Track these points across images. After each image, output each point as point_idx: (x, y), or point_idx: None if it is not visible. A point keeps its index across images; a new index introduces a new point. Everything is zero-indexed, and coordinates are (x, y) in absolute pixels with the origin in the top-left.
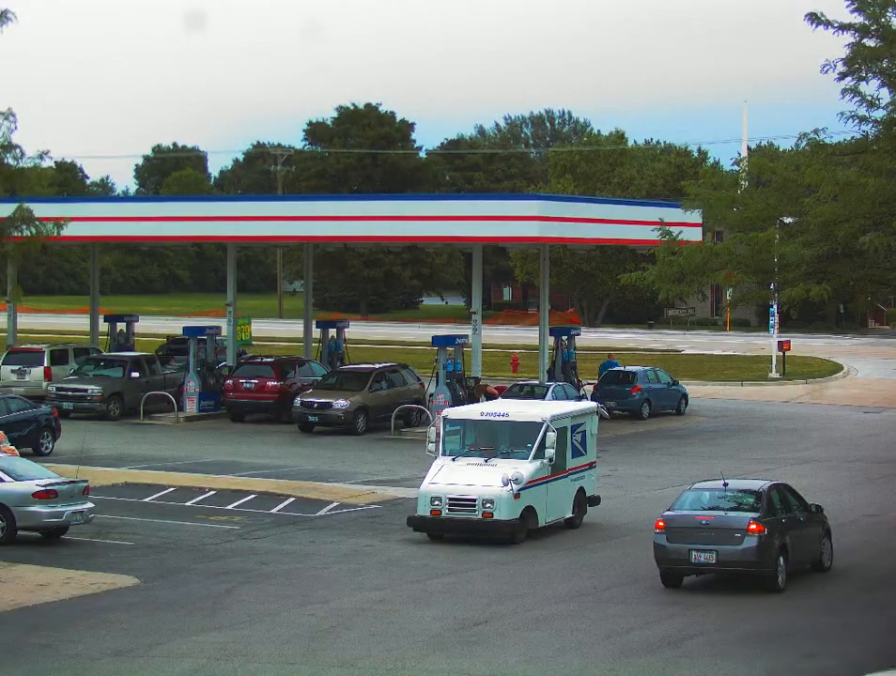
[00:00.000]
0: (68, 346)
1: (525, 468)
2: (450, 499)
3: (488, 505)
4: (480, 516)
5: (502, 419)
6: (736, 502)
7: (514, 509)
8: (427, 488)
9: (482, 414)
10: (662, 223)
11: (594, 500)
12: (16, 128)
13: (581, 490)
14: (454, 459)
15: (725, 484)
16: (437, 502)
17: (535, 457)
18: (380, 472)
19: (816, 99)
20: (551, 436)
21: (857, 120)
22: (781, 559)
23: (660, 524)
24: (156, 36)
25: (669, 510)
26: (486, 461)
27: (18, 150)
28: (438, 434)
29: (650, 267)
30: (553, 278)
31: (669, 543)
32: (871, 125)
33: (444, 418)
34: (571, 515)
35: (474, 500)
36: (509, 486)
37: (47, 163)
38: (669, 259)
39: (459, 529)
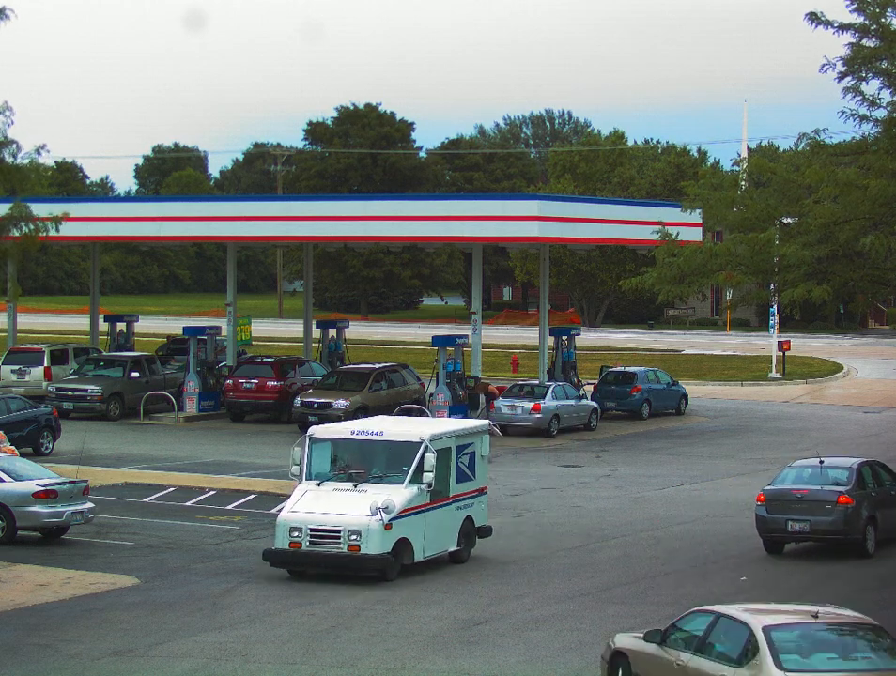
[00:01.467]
0: (68, 346)
1: (399, 494)
2: (311, 529)
3: (354, 537)
4: (345, 550)
5: (374, 438)
6: (831, 478)
7: (384, 541)
8: (286, 517)
9: (352, 433)
10: (662, 224)
11: (485, 531)
12: (13, 123)
13: (469, 520)
14: (319, 484)
15: (821, 462)
16: (296, 533)
17: (412, 482)
18: None
19: (816, 99)
20: (430, 458)
21: (857, 119)
22: (871, 528)
23: (761, 497)
24: (156, 36)
25: (769, 485)
26: (355, 486)
27: (15, 146)
28: (303, 454)
29: (650, 269)
30: (553, 278)
31: (768, 514)
32: (871, 124)
33: (310, 437)
34: (456, 549)
35: (338, 531)
36: (378, 516)
37: (45, 159)
38: (668, 261)
39: (322, 564)
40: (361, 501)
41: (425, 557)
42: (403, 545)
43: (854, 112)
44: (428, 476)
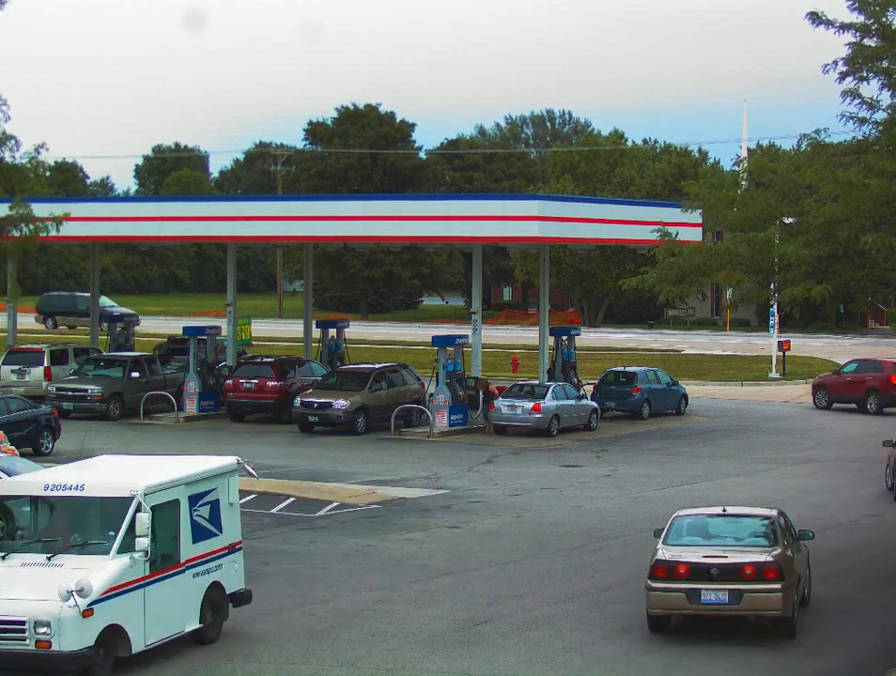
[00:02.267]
0: (68, 346)
1: (102, 569)
2: None
3: (43, 630)
4: (33, 647)
5: (74, 494)
6: None
7: (83, 634)
8: None
9: (46, 488)
10: (662, 224)
11: (242, 598)
12: (9, 118)
13: (217, 587)
14: (4, 557)
15: None
16: None
17: (121, 551)
18: (380, 472)
19: (816, 99)
20: (143, 518)
21: (856, 122)
22: None
23: None
24: (156, 36)
25: None
26: (49, 560)
27: (13, 142)
28: None
29: (650, 269)
30: (553, 278)
31: None
32: (871, 126)
33: None
34: (199, 626)
35: (23, 623)
36: (71, 601)
37: (44, 157)
38: (669, 260)
39: (7, 665)
40: (53, 581)
41: (150, 645)
42: (113, 635)
43: (853, 115)
44: (143, 542)
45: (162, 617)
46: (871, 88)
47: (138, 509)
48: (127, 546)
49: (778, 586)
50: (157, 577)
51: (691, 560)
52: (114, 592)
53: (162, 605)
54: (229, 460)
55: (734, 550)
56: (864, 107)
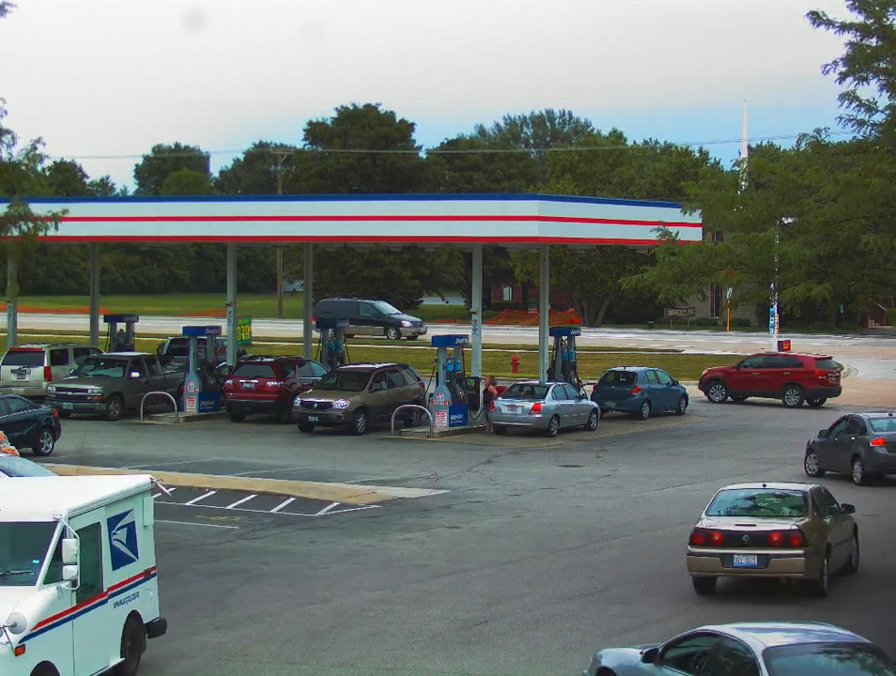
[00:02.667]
0: (68, 346)
1: (31, 601)
2: None
3: None
4: None
5: None
6: None
7: (16, 673)
8: None
9: None
10: (662, 224)
11: (158, 628)
12: (6, 113)
13: (135, 617)
14: None
15: None
16: None
17: (48, 581)
18: (380, 472)
19: (816, 99)
20: (70, 544)
21: (855, 124)
22: None
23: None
24: (156, 36)
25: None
26: None
27: (10, 136)
28: None
29: (650, 268)
30: (553, 278)
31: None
32: (869, 128)
33: None
34: (121, 659)
35: None
36: (4, 638)
37: (42, 151)
38: (669, 260)
39: None
40: None
41: None
42: (45, 673)
43: (852, 118)
44: (71, 570)
45: (90, 651)
46: (870, 89)
47: (64, 534)
48: (53, 575)
49: (801, 552)
50: (84, 608)
51: (725, 528)
52: (44, 627)
53: (90, 638)
54: (143, 479)
55: (766, 521)
56: (862, 109)
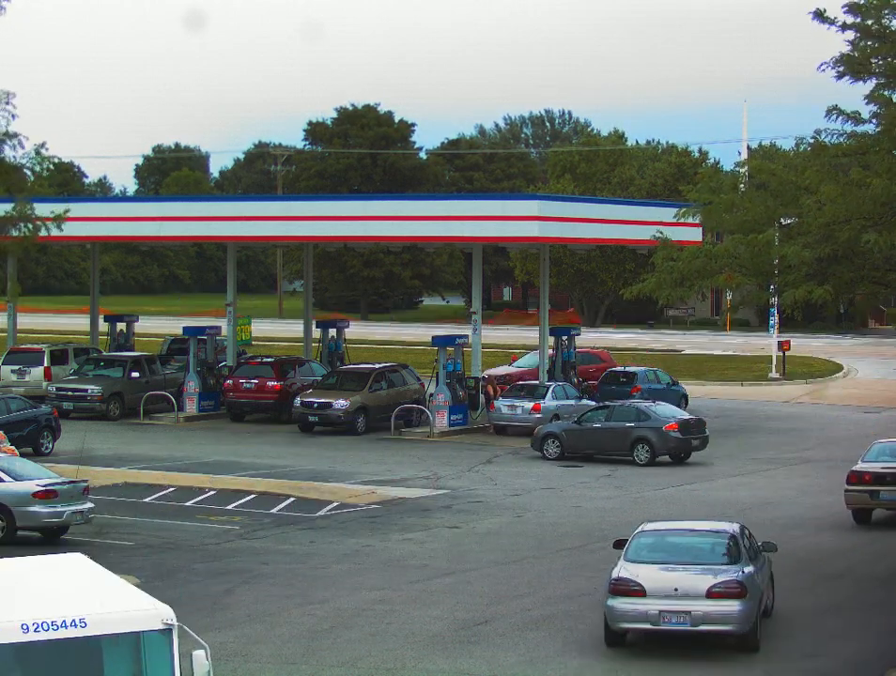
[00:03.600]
0: (68, 346)
1: None
2: None
3: None
4: None
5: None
6: None
7: None
8: None
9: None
10: (662, 224)
11: None
12: (15, 116)
13: None
14: None
15: None
16: None
17: None
18: (380, 472)
19: (816, 99)
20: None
21: (846, 137)
22: None
23: None
24: (156, 36)
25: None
26: None
27: (17, 140)
28: None
29: (649, 276)
30: (553, 278)
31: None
32: (856, 139)
33: None
34: None
35: None
36: None
37: (45, 156)
38: (668, 265)
39: None
40: None
41: None
42: None
43: (841, 132)
44: None
45: None
46: (865, 87)
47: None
48: None
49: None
50: None
51: (873, 470)
52: None
53: None
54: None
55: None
56: (850, 121)
